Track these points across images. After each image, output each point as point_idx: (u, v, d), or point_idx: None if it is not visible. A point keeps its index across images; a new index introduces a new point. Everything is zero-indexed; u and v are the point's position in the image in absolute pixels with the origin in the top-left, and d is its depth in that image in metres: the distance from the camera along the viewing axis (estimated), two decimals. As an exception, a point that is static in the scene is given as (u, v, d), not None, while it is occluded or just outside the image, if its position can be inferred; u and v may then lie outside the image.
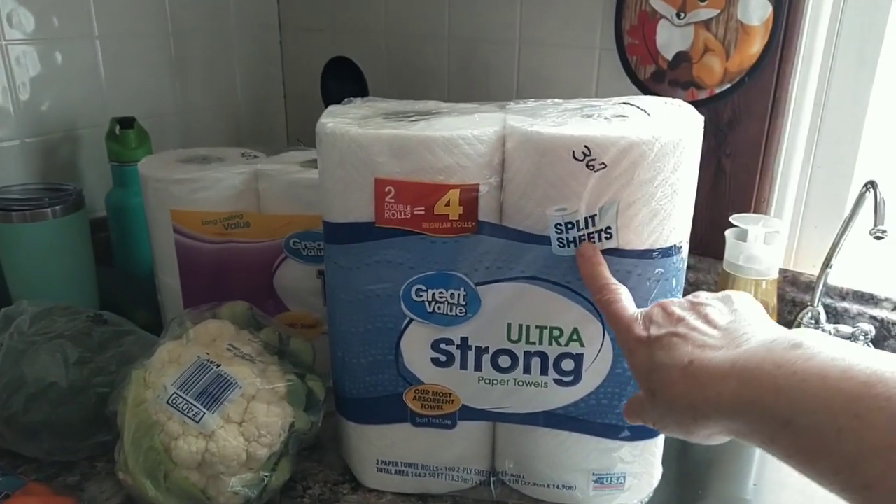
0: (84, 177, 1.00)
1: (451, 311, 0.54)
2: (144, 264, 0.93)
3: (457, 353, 0.55)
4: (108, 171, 0.95)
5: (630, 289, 0.51)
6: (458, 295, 0.54)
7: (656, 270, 0.52)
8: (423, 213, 0.52)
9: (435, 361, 0.56)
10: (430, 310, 0.54)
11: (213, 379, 0.55)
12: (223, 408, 0.54)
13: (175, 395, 0.54)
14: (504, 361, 0.55)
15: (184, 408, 0.54)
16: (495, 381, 0.56)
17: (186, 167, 0.73)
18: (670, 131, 0.48)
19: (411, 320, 0.55)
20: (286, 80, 1.27)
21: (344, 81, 1.01)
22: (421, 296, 0.54)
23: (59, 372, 0.62)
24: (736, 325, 0.41)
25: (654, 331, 0.43)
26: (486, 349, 0.55)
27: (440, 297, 0.54)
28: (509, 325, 0.54)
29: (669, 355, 0.41)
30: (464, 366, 0.56)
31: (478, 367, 0.56)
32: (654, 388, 0.41)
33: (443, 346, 0.55)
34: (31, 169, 0.95)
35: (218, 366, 0.56)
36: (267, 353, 0.62)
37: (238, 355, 0.58)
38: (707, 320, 0.42)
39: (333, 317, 0.58)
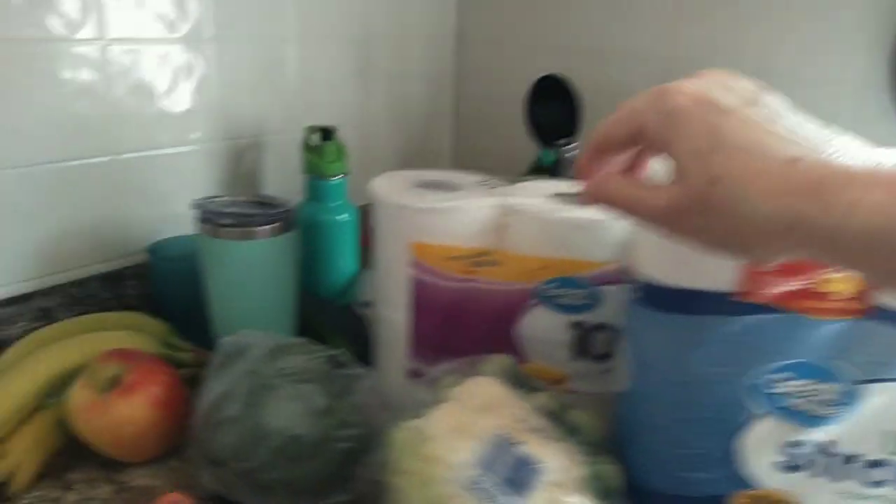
0: (268, 186, 0.94)
1: (818, 409, 0.44)
2: (332, 286, 0.86)
3: (817, 458, 0.45)
4: (293, 181, 0.88)
5: None
6: (832, 390, 0.44)
7: None
8: (802, 287, 0.42)
9: (782, 465, 0.46)
10: (789, 405, 0.45)
11: (515, 460, 0.46)
12: (530, 496, 0.46)
13: (478, 478, 0.45)
14: (878, 475, 0.45)
15: (489, 493, 0.45)
16: (861, 497, 0.46)
17: (429, 194, 0.65)
18: None
19: (759, 414, 0.45)
20: (460, 97, 1.20)
21: (551, 103, 0.92)
22: (781, 387, 0.44)
23: (306, 423, 0.55)
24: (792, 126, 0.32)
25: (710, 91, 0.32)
26: (856, 458, 0.45)
27: (807, 392, 0.44)
28: (888, 433, 0.44)
29: (748, 138, 0.30)
30: (823, 474, 0.46)
31: (840, 478, 0.46)
32: (717, 175, 0.30)
33: (797, 449, 0.46)
34: (214, 173, 0.89)
35: (518, 444, 0.47)
36: (553, 427, 0.53)
37: (531, 429, 0.49)
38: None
39: (640, 395, 0.49)
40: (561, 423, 0.54)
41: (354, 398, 0.59)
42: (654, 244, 0.46)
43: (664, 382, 0.47)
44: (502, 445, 0.47)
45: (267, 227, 0.71)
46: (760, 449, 0.46)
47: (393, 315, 0.68)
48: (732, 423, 0.46)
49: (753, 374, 0.45)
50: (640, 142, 0.35)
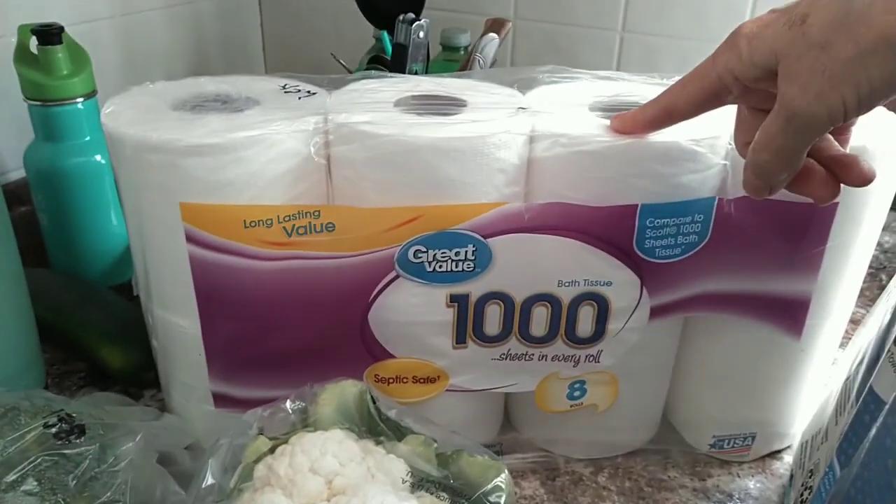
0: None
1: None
2: (94, 262, 0.60)
3: None
4: (16, 112, 0.58)
5: None
6: None
7: None
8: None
9: None
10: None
11: None
12: None
13: None
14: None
15: None
16: None
17: (199, 119, 0.39)
18: None
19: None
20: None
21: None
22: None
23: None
24: None
25: None
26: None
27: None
28: None
29: None
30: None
31: None
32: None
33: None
34: None
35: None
36: (431, 491, 0.32)
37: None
38: None
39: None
40: (445, 486, 0.33)
41: (111, 482, 0.35)
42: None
43: None
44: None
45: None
46: None
47: (175, 319, 0.43)
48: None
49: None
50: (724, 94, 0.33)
